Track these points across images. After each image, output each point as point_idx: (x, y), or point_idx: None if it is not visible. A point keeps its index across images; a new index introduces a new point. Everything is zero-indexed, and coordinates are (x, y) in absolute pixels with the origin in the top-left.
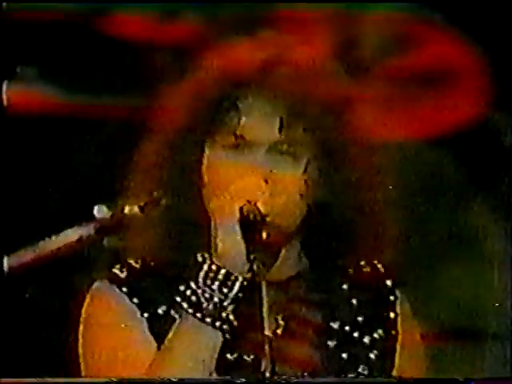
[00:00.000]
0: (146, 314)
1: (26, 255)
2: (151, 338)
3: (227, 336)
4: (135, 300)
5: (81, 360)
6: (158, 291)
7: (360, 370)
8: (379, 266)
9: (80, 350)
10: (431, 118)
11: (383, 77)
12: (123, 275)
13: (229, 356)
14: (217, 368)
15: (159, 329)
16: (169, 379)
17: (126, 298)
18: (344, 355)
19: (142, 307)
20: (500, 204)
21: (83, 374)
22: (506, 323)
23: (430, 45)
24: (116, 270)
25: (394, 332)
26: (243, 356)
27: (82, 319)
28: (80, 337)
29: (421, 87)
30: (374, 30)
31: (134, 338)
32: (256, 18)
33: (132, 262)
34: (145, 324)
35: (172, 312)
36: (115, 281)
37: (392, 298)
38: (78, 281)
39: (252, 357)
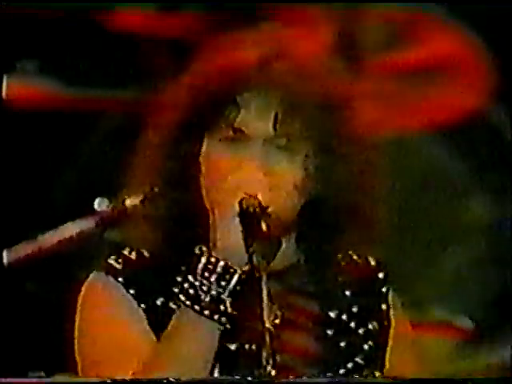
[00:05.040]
0: (143, 305)
1: (26, 249)
2: (149, 329)
3: (227, 326)
4: (131, 291)
5: (76, 354)
6: (155, 283)
7: (358, 359)
8: (370, 258)
9: (76, 343)
10: (432, 112)
11: (383, 70)
12: (119, 266)
13: (230, 346)
14: (217, 359)
15: (157, 320)
16: (170, 379)
17: (123, 289)
18: (342, 344)
19: (138, 298)
20: (500, 197)
21: (79, 367)
22: (504, 318)
23: (431, 39)
24: (112, 261)
25: (386, 323)
26: (244, 346)
27: (77, 312)
28: (76, 330)
29: (421, 82)
30: (374, 25)
31: (131, 330)
32: (255, 13)
33: (128, 253)
34: (142, 314)
35: (170, 304)
36: (111, 272)
37: (384, 289)
38: (78, 274)
39: (253, 347)
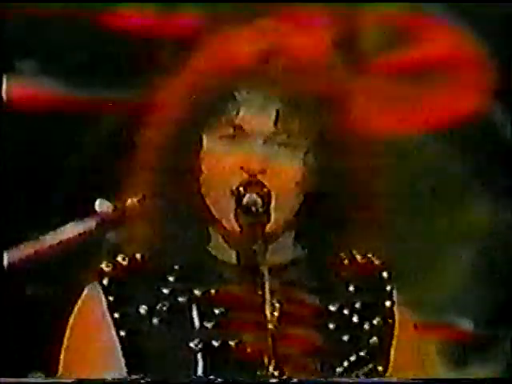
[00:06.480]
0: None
1: (27, 250)
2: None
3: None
4: (114, 297)
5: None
6: (143, 288)
7: (361, 353)
8: (373, 257)
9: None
10: (431, 110)
11: (383, 69)
12: (108, 270)
13: (231, 346)
14: (218, 359)
15: (139, 327)
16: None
17: (107, 313)
18: (344, 338)
19: (126, 304)
20: (500, 196)
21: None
22: (505, 319)
23: (431, 39)
24: (103, 266)
25: (390, 320)
26: (245, 346)
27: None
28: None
29: (421, 80)
30: (375, 23)
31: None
32: (255, 9)
33: (121, 259)
34: (117, 345)
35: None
36: (101, 277)
37: (388, 287)
38: (79, 276)
39: (255, 348)
